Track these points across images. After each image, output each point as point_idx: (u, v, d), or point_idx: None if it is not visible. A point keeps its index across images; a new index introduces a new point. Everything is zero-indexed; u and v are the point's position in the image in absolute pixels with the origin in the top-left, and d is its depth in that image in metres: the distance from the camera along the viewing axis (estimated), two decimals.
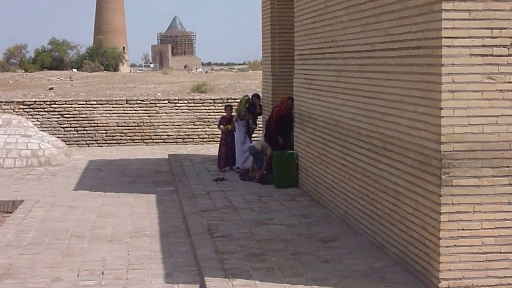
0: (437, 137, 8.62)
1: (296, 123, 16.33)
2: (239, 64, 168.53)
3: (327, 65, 13.48)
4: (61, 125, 26.10)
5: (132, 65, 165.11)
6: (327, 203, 13.74)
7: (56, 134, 25.42)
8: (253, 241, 11.47)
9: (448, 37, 8.48)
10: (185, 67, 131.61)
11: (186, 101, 27.12)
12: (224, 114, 20.02)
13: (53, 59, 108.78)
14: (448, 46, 8.49)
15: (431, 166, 8.82)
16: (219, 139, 20.55)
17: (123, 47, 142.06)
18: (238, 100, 20.78)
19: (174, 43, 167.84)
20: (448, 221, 8.59)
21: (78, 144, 25.99)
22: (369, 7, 10.96)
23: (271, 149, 17.05)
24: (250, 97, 20.21)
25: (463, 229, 8.62)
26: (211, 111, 26.69)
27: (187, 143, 26.54)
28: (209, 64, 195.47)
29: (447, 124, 8.53)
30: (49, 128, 25.77)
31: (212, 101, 27.09)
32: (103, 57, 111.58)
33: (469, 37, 8.49)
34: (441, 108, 8.52)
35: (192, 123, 26.82)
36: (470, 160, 8.58)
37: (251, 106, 19.69)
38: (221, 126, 19.31)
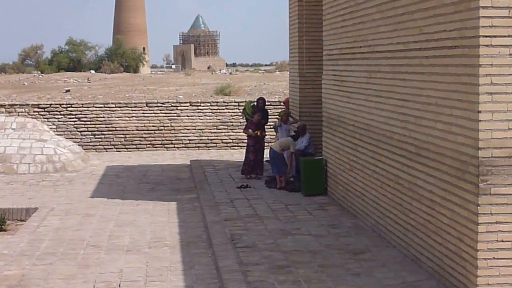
0: (474, 142, 8.54)
1: (324, 127, 16.28)
2: (266, 65, 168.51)
3: (358, 66, 13.43)
4: (78, 129, 26.24)
5: (153, 66, 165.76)
6: (358, 212, 13.67)
7: (72, 138, 25.56)
8: (279, 252, 11.44)
9: (486, 36, 8.40)
10: (208, 68, 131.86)
11: (209, 104, 27.15)
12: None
13: (70, 60, 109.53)
14: (486, 46, 8.41)
15: (468, 173, 8.73)
16: (243, 144, 20.64)
17: (144, 48, 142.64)
18: (242, 106, 20.72)
19: (197, 43, 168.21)
20: (486, 232, 8.51)
21: (95, 149, 26.11)
22: (402, 4, 10.90)
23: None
24: (255, 102, 20.27)
25: (502, 241, 8.53)
26: (236, 114, 26.68)
27: (210, 148, 26.56)
28: (234, 65, 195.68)
29: (485, 128, 8.44)
30: (65, 132, 25.92)
31: (237, 104, 27.08)
32: (122, 58, 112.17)
33: (509, 36, 8.42)
34: (479, 112, 8.44)
35: (215, 127, 26.84)
36: (510, 167, 8.49)
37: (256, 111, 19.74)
38: (250, 131, 19.11)
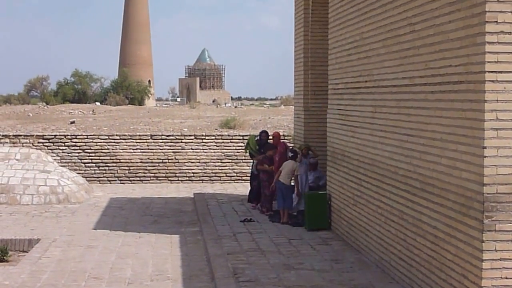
0: (479, 178, 8.52)
1: (329, 161, 16.27)
2: (271, 99, 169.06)
3: (363, 100, 13.45)
4: (82, 161, 26.27)
5: (158, 99, 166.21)
6: (362, 247, 13.61)
7: (76, 170, 25.58)
8: (281, 287, 11.37)
9: (492, 72, 8.41)
10: (213, 101, 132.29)
11: (213, 137, 27.19)
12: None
13: (75, 91, 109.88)
14: (492, 81, 8.42)
15: (472, 209, 8.70)
16: (247, 178, 20.60)
17: (149, 80, 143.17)
18: (246, 140, 20.61)
19: (203, 77, 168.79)
20: (491, 268, 8.46)
21: (99, 181, 26.11)
22: (408, 39, 10.93)
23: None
24: (259, 136, 20.25)
25: (506, 278, 8.48)
26: (240, 148, 26.69)
27: (214, 181, 26.54)
28: (239, 98, 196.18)
29: (490, 164, 8.43)
30: (69, 164, 25.94)
31: (241, 137, 27.10)
32: (128, 91, 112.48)
33: None
34: (484, 147, 8.43)
35: (219, 161, 26.84)
36: None
37: (260, 145, 19.68)
38: (266, 166, 18.69)
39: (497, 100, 8.42)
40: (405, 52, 11.06)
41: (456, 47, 9.19)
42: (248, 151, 20.18)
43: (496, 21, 8.40)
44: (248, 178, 22.08)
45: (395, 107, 11.59)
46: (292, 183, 17.57)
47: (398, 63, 11.42)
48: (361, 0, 13.38)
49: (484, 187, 8.44)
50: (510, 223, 8.47)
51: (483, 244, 8.47)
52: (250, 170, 20.43)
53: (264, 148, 19.32)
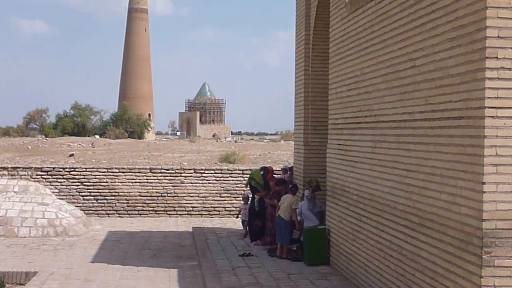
0: (478, 214, 8.55)
1: (328, 196, 16.30)
2: (271, 134, 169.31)
3: (363, 135, 13.51)
4: (80, 194, 26.27)
5: (158, 133, 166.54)
6: (361, 283, 13.60)
7: (74, 202, 25.58)
8: None
9: (492, 107, 8.48)
10: (213, 135, 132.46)
11: (213, 171, 27.22)
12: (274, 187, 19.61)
13: (75, 124, 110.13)
14: (492, 117, 8.49)
15: (471, 245, 8.72)
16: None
17: (149, 114, 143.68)
18: (246, 175, 20.51)
19: (203, 111, 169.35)
20: None
21: (97, 214, 26.09)
22: (408, 75, 11.02)
23: None
24: (263, 171, 20.17)
25: None
26: (239, 182, 26.71)
27: (213, 215, 26.54)
28: (239, 133, 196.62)
29: (489, 200, 8.47)
30: (68, 196, 25.95)
31: (241, 172, 27.14)
32: (127, 124, 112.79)
33: None
34: (484, 183, 8.47)
35: (218, 195, 26.85)
36: None
37: (265, 180, 19.72)
38: (275, 201, 18.49)
39: (496, 136, 8.48)
40: (405, 87, 11.14)
41: (456, 82, 9.27)
42: (250, 185, 19.82)
43: (497, 57, 8.49)
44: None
45: (395, 142, 11.65)
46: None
47: (398, 98, 11.50)
48: (362, 36, 13.50)
49: (483, 222, 8.47)
50: (509, 259, 8.49)
51: (481, 279, 8.48)
52: (249, 207, 20.01)
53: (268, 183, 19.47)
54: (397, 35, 11.50)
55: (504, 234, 8.48)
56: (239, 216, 20.86)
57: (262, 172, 19.95)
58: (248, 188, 20.24)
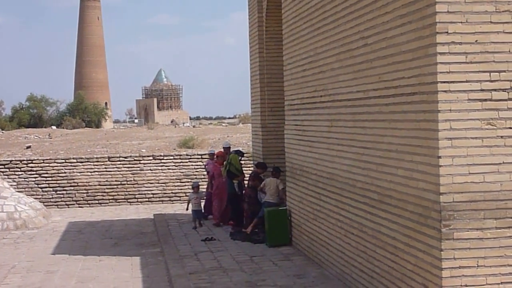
0: (436, 188, 8.63)
1: (288, 177, 16.34)
2: (229, 118, 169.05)
3: (319, 115, 13.55)
4: (39, 186, 26.05)
5: (116, 121, 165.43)
6: (323, 261, 13.67)
7: (33, 195, 25.37)
8: None
9: (444, 82, 8.54)
10: (172, 121, 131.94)
11: (172, 157, 27.14)
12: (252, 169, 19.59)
13: (31, 116, 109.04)
14: (445, 91, 8.54)
15: (430, 219, 8.80)
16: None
17: (106, 102, 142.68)
18: (205, 159, 20.46)
19: (160, 97, 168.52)
20: (450, 277, 8.55)
21: (57, 205, 25.90)
22: (361, 53, 11.05)
23: None
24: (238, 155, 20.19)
25: (466, 285, 8.57)
26: (199, 167, 26.67)
27: (174, 201, 26.47)
28: (197, 118, 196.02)
29: (446, 173, 8.54)
30: (26, 189, 25.71)
31: (200, 156, 27.10)
32: (84, 113, 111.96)
33: (467, 81, 8.56)
34: (439, 157, 8.54)
35: (178, 181, 26.80)
36: (471, 212, 8.57)
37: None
38: (257, 182, 18.19)
39: (450, 110, 8.54)
40: (359, 65, 11.18)
41: (408, 59, 9.32)
42: (228, 170, 19.49)
43: (447, 32, 8.54)
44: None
45: (351, 120, 11.70)
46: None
47: (352, 77, 11.54)
48: (314, 16, 13.51)
49: (441, 196, 8.54)
50: (468, 231, 8.57)
51: (442, 253, 8.57)
52: (229, 192, 19.59)
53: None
54: (349, 14, 11.52)
55: (462, 206, 8.56)
56: (189, 207, 20.11)
57: (240, 158, 19.87)
58: (225, 173, 19.75)
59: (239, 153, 20.04)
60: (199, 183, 21.11)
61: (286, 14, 15.86)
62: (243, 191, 19.29)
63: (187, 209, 20.34)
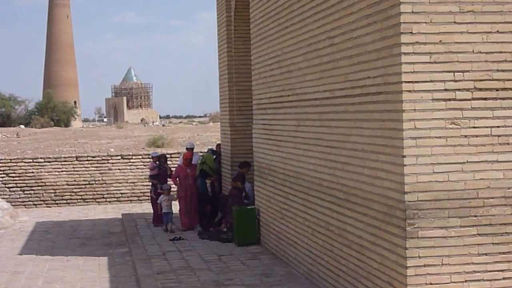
0: (400, 187, 8.70)
1: (256, 176, 16.38)
2: (200, 117, 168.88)
3: (286, 114, 13.60)
4: (6, 185, 25.87)
5: (85, 120, 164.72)
6: (291, 260, 13.72)
7: (0, 195, 25.20)
8: None
9: (409, 82, 8.61)
10: (141, 120, 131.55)
11: (140, 157, 27.08)
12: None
13: None
14: (409, 91, 8.62)
15: (395, 218, 8.87)
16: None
17: (75, 101, 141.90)
18: (201, 157, 19.89)
19: (130, 96, 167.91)
20: (415, 275, 8.62)
21: (24, 205, 25.75)
22: (327, 52, 11.11)
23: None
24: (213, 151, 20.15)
25: (431, 283, 8.65)
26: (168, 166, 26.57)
27: (142, 201, 26.40)
28: (167, 117, 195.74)
29: (410, 172, 8.61)
30: None
31: (169, 155, 27.01)
32: (53, 112, 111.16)
33: (431, 81, 8.64)
34: (404, 156, 8.61)
35: (147, 180, 26.68)
36: (436, 210, 8.65)
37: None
38: (238, 183, 17.97)
39: (414, 110, 8.62)
40: (325, 65, 11.23)
41: (373, 58, 9.39)
42: (201, 170, 19.12)
43: (411, 32, 8.61)
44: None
45: (317, 120, 11.75)
46: None
47: (318, 76, 11.59)
48: (282, 15, 13.55)
49: (405, 195, 8.62)
50: (432, 230, 8.66)
51: (406, 251, 8.64)
52: (200, 191, 19.16)
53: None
54: (315, 13, 11.57)
55: (426, 205, 8.64)
56: (161, 209, 19.20)
57: (214, 157, 19.75)
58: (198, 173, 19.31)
59: (214, 153, 19.98)
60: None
61: (254, 14, 15.90)
62: (218, 193, 19.18)
63: (160, 211, 19.31)
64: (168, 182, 20.28)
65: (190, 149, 20.09)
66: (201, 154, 20.94)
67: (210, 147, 21.64)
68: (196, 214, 19.06)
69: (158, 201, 19.31)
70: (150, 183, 20.76)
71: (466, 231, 8.70)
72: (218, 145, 21.29)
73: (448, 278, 8.68)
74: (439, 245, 8.66)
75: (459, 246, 8.69)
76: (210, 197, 19.17)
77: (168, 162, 26.39)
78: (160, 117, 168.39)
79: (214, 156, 20.01)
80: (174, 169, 20.60)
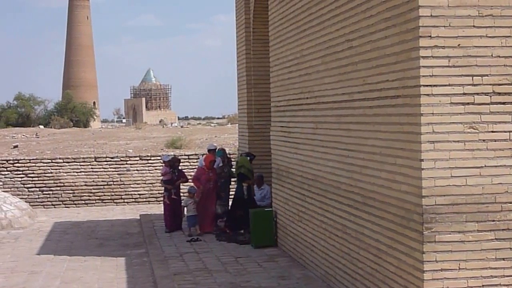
0: (418, 191, 8.68)
1: (273, 178, 16.38)
2: (218, 118, 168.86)
3: (304, 117, 13.59)
4: (25, 185, 26.00)
5: (104, 121, 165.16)
6: (307, 263, 13.72)
7: (19, 195, 25.31)
8: None
9: (427, 85, 8.59)
10: (160, 121, 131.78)
11: (159, 158, 27.09)
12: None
13: (18, 115, 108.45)
14: (427, 95, 8.60)
15: (412, 222, 8.85)
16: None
17: (94, 102, 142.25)
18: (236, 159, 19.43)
19: (148, 97, 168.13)
20: (432, 279, 8.60)
21: (43, 205, 25.85)
22: (346, 55, 11.10)
23: None
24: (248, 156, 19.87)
25: None
26: (186, 167, 26.62)
27: (160, 202, 26.26)
28: (186, 118, 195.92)
29: (428, 176, 8.59)
30: (12, 189, 25.65)
31: (187, 157, 27.10)
32: (72, 113, 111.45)
33: (449, 85, 8.62)
34: (422, 160, 8.59)
35: (160, 185, 26.70)
36: (453, 214, 8.62)
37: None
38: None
39: (432, 113, 8.60)
40: (344, 68, 11.22)
41: (392, 62, 9.37)
42: (239, 173, 18.80)
43: (430, 36, 8.59)
44: None
45: (335, 122, 11.74)
46: None
47: (337, 79, 11.58)
48: (300, 18, 13.55)
49: (423, 199, 8.60)
50: (449, 234, 8.63)
51: (423, 255, 8.62)
52: (237, 195, 18.70)
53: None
54: (334, 16, 11.57)
55: (444, 209, 8.62)
56: (184, 214, 19.09)
57: (249, 158, 19.46)
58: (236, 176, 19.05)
59: (250, 155, 19.62)
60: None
61: (272, 16, 15.90)
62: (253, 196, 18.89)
63: (183, 215, 19.23)
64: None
65: (212, 151, 19.98)
66: (232, 157, 20.81)
67: (244, 151, 20.68)
68: (213, 217, 18.88)
69: (182, 204, 19.01)
70: (163, 188, 19.91)
71: (484, 235, 8.67)
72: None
73: (465, 283, 8.65)
74: (456, 250, 8.64)
75: (477, 251, 8.67)
76: (245, 201, 18.55)
77: (186, 163, 26.59)
78: (179, 119, 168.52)
79: (249, 158, 19.75)
80: (193, 170, 20.45)
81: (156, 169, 26.76)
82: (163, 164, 20.19)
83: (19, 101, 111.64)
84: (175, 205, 19.19)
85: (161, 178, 20.41)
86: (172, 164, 19.67)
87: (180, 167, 20.31)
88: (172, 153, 23.08)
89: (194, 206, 18.60)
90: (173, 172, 19.54)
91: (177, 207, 19.21)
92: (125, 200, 26.53)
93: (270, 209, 16.57)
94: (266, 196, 18.06)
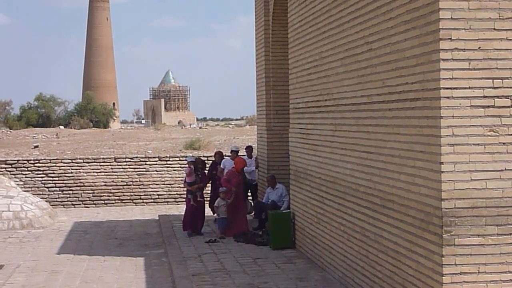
0: (437, 194, 8.61)
1: (292, 180, 16.33)
2: (236, 119, 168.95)
3: (323, 119, 13.54)
4: (46, 185, 26.07)
5: (123, 122, 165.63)
6: (326, 265, 13.66)
7: (40, 194, 25.39)
8: None
9: (447, 88, 8.52)
10: (179, 123, 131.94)
11: (177, 159, 27.13)
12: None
13: (39, 116, 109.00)
14: (447, 98, 8.53)
15: (432, 225, 8.78)
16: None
17: (114, 103, 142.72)
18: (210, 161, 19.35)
19: (167, 98, 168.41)
20: (451, 282, 8.53)
21: (63, 205, 25.92)
22: (365, 58, 11.04)
23: None
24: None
25: None
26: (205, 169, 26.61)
27: (179, 203, 26.44)
28: (204, 119, 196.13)
29: (448, 179, 8.52)
30: (33, 188, 25.74)
31: (205, 158, 27.06)
32: (92, 114, 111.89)
33: (469, 88, 8.55)
34: (441, 163, 8.52)
35: (182, 184, 26.73)
36: (473, 218, 8.55)
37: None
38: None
39: (452, 116, 8.53)
40: (363, 70, 11.16)
41: (412, 64, 9.31)
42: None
43: (450, 38, 8.53)
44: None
45: (355, 125, 11.68)
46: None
47: (356, 81, 11.52)
48: (320, 20, 13.50)
49: (443, 202, 8.53)
50: (469, 237, 8.56)
51: (443, 258, 8.55)
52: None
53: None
54: (354, 19, 11.51)
55: (463, 213, 8.55)
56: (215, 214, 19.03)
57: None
58: None
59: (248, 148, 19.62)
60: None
61: (292, 18, 15.86)
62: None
63: (216, 214, 18.96)
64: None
65: (235, 152, 19.84)
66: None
67: (263, 152, 20.59)
68: (245, 219, 18.63)
69: (215, 205, 18.66)
70: (186, 190, 19.53)
71: (503, 239, 8.59)
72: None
73: (484, 286, 8.58)
74: (476, 253, 8.56)
75: (496, 254, 8.59)
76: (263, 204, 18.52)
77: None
78: (197, 120, 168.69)
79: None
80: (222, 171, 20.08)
81: (174, 170, 26.80)
82: (187, 165, 19.75)
83: (39, 102, 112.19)
84: (198, 208, 18.97)
85: (184, 177, 20.19)
86: (195, 166, 19.28)
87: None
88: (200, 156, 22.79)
89: (225, 209, 18.35)
90: (196, 174, 19.12)
91: (200, 210, 18.99)
92: (144, 201, 26.56)
93: (288, 210, 16.53)
94: (283, 194, 18.01)
